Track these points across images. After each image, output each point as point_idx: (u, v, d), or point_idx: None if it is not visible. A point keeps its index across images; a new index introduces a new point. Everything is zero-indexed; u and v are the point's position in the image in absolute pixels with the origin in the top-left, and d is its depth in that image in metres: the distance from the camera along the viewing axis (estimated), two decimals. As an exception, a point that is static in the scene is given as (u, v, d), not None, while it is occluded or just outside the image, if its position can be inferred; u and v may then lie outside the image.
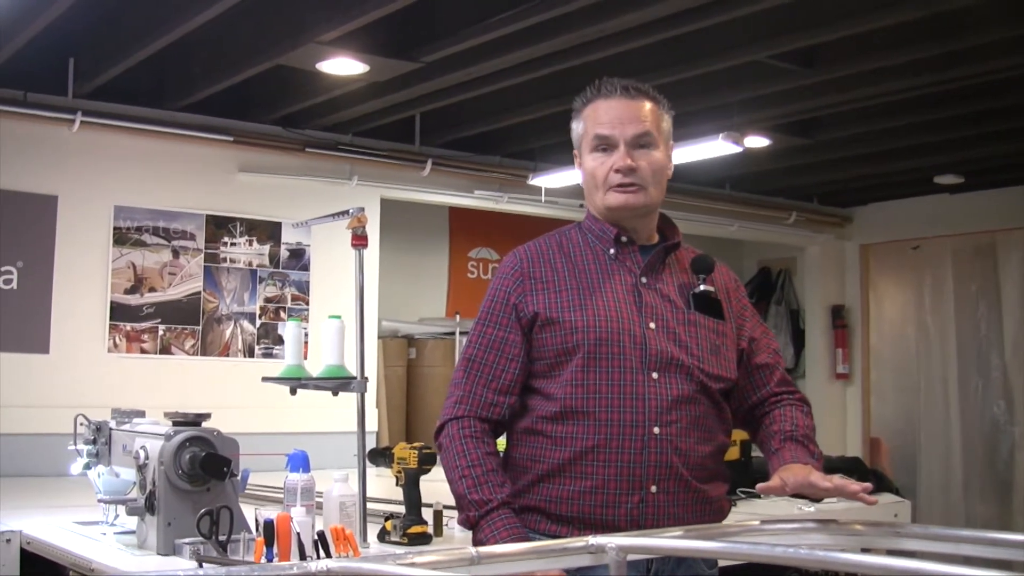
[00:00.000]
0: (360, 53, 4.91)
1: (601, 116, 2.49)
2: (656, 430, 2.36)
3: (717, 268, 2.60)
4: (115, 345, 5.70)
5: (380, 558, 1.75)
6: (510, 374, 2.46)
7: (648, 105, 2.50)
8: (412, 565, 1.64)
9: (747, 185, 8.24)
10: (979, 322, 8.27)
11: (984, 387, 8.18)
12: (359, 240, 3.10)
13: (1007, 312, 8.11)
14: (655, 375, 2.39)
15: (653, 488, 2.36)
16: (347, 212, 3.13)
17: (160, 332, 5.83)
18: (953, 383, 8.33)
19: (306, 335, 3.81)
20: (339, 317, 3.18)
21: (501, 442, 2.55)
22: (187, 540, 2.81)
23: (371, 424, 6.40)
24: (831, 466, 4.76)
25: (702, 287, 2.52)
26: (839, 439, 8.67)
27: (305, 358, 3.36)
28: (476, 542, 2.36)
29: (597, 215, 2.56)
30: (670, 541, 1.94)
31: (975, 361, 8.25)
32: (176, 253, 5.91)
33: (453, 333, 7.31)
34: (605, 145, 2.48)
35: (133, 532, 3.06)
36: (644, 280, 2.49)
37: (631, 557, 1.88)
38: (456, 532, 3.42)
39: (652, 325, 2.43)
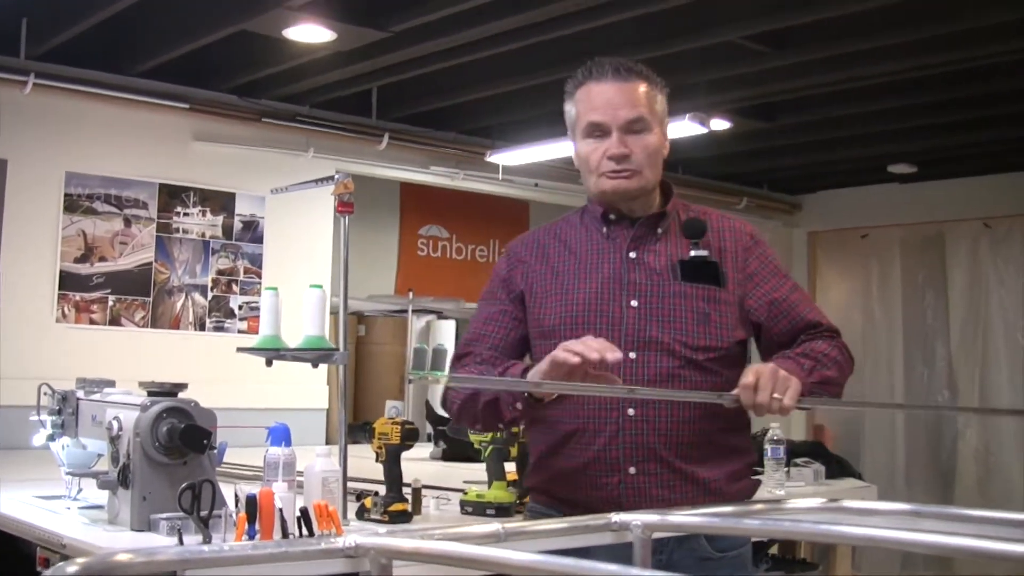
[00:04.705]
0: (328, 20, 4.80)
1: (594, 100, 2.45)
2: (631, 411, 2.37)
3: (720, 228, 2.54)
4: (64, 315, 5.53)
5: (407, 533, 1.69)
6: (511, 340, 2.51)
7: (641, 87, 2.46)
8: (440, 539, 1.60)
9: (699, 169, 8.21)
10: (925, 312, 8.35)
11: (929, 376, 8.27)
12: (345, 207, 3.01)
13: (953, 303, 8.19)
14: (633, 355, 2.38)
15: (632, 470, 2.37)
16: (332, 178, 3.04)
17: (110, 303, 5.66)
18: (899, 372, 8.40)
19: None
20: (320, 287, 3.08)
21: None
22: (164, 515, 2.69)
23: (321, 402, 6.32)
24: (796, 450, 4.79)
25: (692, 253, 2.47)
26: (784, 425, 8.65)
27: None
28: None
29: (592, 198, 2.56)
30: (695, 519, 1.90)
31: (921, 350, 8.33)
32: (128, 222, 5.75)
33: (405, 311, 7.18)
34: (598, 131, 2.44)
35: (100, 507, 2.94)
36: (633, 255, 2.47)
37: (656, 535, 1.85)
38: (432, 511, 3.35)
39: (634, 303, 2.42)
